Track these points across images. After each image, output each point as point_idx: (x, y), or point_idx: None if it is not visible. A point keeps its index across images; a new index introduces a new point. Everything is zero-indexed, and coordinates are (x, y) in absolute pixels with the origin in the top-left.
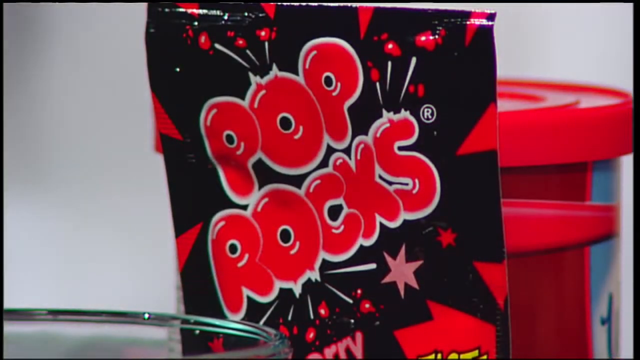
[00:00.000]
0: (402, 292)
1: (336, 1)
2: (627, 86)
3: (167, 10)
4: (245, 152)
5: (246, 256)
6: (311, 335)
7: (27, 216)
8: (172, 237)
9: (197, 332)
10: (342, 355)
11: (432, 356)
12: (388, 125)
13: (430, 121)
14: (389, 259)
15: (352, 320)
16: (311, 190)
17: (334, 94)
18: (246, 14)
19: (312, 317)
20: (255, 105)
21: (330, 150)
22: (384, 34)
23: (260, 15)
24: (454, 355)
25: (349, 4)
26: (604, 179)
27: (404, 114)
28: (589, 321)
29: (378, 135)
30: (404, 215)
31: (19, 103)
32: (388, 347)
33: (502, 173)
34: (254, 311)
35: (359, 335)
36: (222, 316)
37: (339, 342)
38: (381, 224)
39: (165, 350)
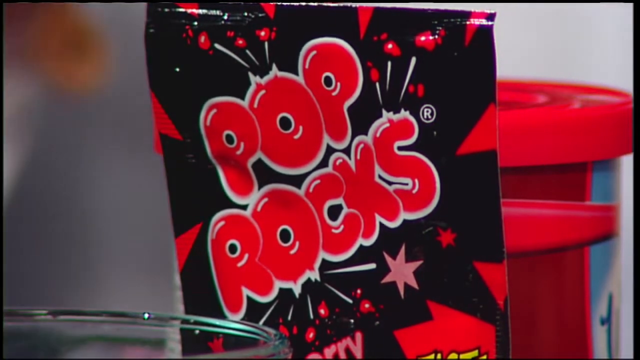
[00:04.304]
0: (401, 292)
1: (336, 1)
2: (627, 86)
3: (167, 10)
4: (245, 152)
5: (246, 256)
6: (311, 335)
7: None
8: (172, 237)
9: (197, 332)
10: (342, 355)
11: (432, 356)
12: (388, 125)
13: (430, 121)
14: (388, 259)
15: (352, 320)
16: (311, 190)
17: (334, 94)
18: (246, 14)
19: (311, 317)
20: (255, 105)
21: (330, 150)
22: (383, 34)
23: (260, 15)
24: (453, 355)
25: (348, 4)
26: (604, 179)
27: (404, 114)
28: (589, 321)
29: (378, 135)
30: (404, 215)
31: None
32: (388, 347)
33: (502, 173)
34: (254, 311)
35: (358, 335)
36: (222, 316)
37: (339, 342)
38: (381, 224)
39: (165, 351)
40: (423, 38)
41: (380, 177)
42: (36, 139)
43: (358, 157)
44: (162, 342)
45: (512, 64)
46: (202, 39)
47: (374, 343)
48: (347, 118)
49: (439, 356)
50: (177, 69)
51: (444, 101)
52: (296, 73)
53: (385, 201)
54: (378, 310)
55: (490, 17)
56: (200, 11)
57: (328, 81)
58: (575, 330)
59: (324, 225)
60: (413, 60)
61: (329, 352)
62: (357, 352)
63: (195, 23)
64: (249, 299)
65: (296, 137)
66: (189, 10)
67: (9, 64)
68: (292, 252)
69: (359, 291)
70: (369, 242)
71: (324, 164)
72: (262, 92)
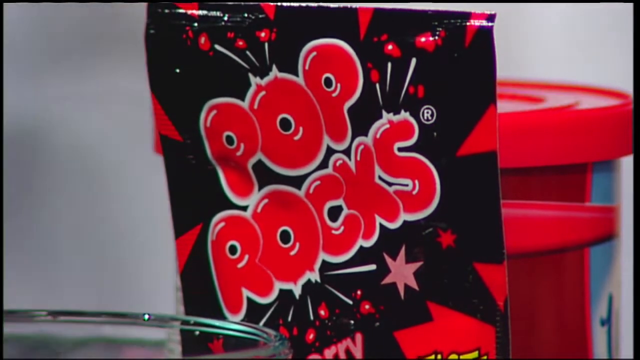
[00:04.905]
0: (402, 293)
1: (336, 2)
2: (627, 86)
3: (167, 11)
4: (245, 153)
5: (246, 257)
6: (311, 336)
7: (25, 217)
8: (172, 238)
9: (197, 333)
10: (342, 356)
11: (432, 357)
12: (388, 126)
13: (430, 122)
14: (388, 260)
15: (352, 321)
16: (311, 191)
17: (334, 95)
18: (246, 15)
19: (312, 318)
20: (255, 106)
21: (330, 151)
22: (383, 35)
23: (260, 16)
24: (453, 356)
25: (348, 5)
26: (604, 180)
27: (404, 115)
28: (589, 322)
29: (378, 136)
30: (404, 216)
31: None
32: (388, 348)
33: (502, 174)
34: (254, 312)
35: (358, 336)
36: (222, 317)
37: (339, 343)
38: (381, 225)
39: (165, 351)
40: (423, 39)
41: (380, 178)
42: (35, 138)
43: (358, 158)
44: (162, 343)
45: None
46: (202, 40)
47: (374, 344)
48: (347, 119)
49: (439, 357)
50: (177, 70)
51: (444, 102)
52: (296, 74)
53: (385, 202)
54: (378, 311)
55: (491, 18)
56: (201, 12)
57: (328, 82)
58: (575, 331)
59: (324, 226)
60: (413, 61)
61: (329, 353)
62: (357, 353)
63: (196, 24)
64: (249, 300)
65: (296, 138)
66: (189, 11)
67: None
68: (292, 253)
69: (359, 292)
70: (369, 243)
71: (324, 165)
72: (262, 93)
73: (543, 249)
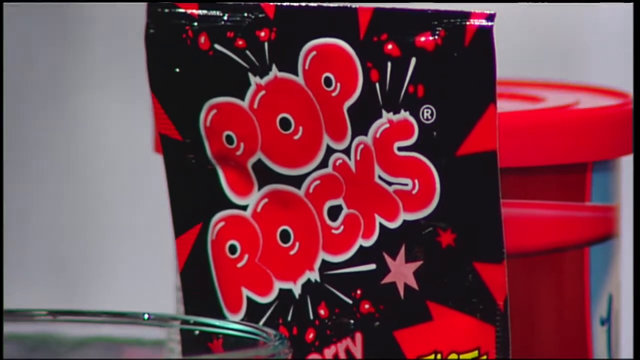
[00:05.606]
0: (401, 293)
1: (336, 1)
2: (627, 86)
3: (166, 10)
4: (245, 153)
5: (246, 256)
6: (311, 335)
7: (27, 213)
8: (172, 238)
9: (197, 332)
10: (342, 355)
11: (432, 356)
12: (388, 125)
13: (430, 122)
14: (388, 259)
15: (352, 321)
16: (311, 190)
17: (334, 94)
18: (246, 14)
19: (311, 317)
20: (255, 106)
21: (330, 151)
22: (383, 35)
23: (260, 15)
24: (453, 356)
25: (348, 5)
26: (604, 180)
27: (404, 114)
28: (589, 322)
29: (378, 135)
30: (404, 216)
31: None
32: (388, 347)
33: (501, 173)
34: (254, 312)
35: (358, 336)
36: (222, 317)
37: (339, 343)
38: (381, 225)
39: (165, 351)
40: (423, 38)
41: (380, 177)
42: (36, 137)
43: (358, 157)
44: (162, 343)
45: (512, 64)
46: (202, 39)
47: (373, 343)
48: (347, 118)
49: (438, 356)
50: (177, 70)
51: (444, 101)
52: (296, 73)
53: (385, 202)
54: (378, 311)
55: (490, 17)
56: (200, 12)
57: (328, 82)
58: (575, 331)
59: (324, 225)
60: (413, 60)
61: (328, 352)
62: (357, 352)
63: (195, 24)
64: (248, 299)
65: (296, 137)
66: (189, 11)
67: None
68: (292, 252)
69: (358, 292)
70: (368, 242)
71: (323, 164)
72: (262, 92)
73: (543, 249)
